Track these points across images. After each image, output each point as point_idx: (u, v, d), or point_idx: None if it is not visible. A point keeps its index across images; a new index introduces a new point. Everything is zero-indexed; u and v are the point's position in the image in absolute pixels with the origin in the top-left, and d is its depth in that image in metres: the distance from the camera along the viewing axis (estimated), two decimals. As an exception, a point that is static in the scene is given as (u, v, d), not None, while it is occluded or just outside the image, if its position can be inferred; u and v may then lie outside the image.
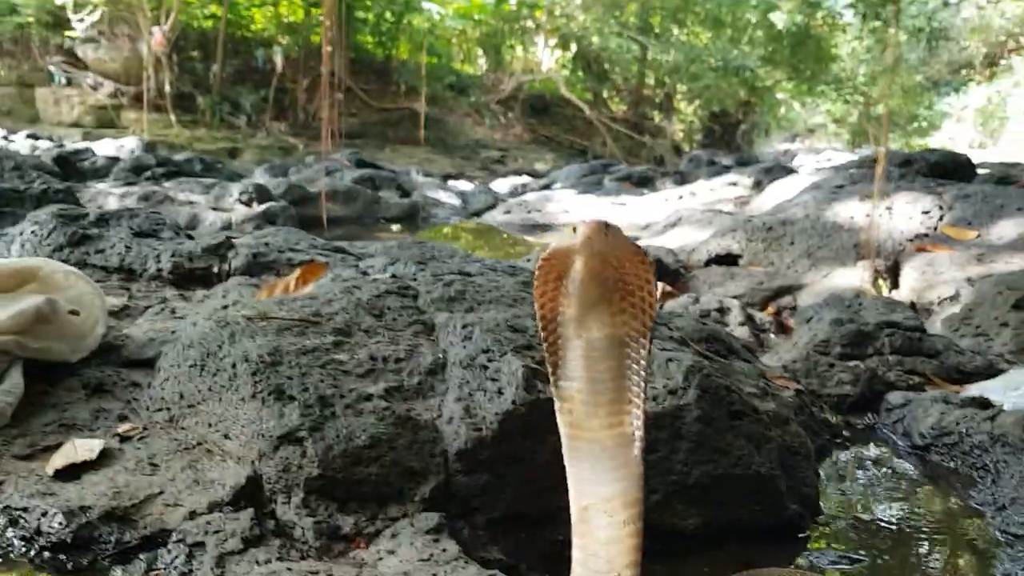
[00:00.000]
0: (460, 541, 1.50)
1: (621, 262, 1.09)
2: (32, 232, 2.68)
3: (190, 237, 2.83)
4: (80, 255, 2.64)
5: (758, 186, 8.54)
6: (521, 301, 2.07)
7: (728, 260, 4.73)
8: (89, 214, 2.79)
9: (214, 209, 6.98)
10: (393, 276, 2.37)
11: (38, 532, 1.47)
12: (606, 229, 1.05)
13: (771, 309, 4.08)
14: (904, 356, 2.73)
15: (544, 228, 8.10)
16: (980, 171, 6.91)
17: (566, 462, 1.07)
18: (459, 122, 17.71)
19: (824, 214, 4.79)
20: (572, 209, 8.23)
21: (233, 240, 2.72)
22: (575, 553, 1.06)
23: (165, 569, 1.40)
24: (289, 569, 1.31)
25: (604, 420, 1.05)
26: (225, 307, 2.19)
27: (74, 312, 2.04)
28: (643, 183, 11.68)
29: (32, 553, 1.46)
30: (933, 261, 4.08)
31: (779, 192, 6.89)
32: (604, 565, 1.00)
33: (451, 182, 11.90)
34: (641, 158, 18.31)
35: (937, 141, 22.71)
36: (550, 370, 1.15)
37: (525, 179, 14.51)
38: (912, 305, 3.84)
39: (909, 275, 4.08)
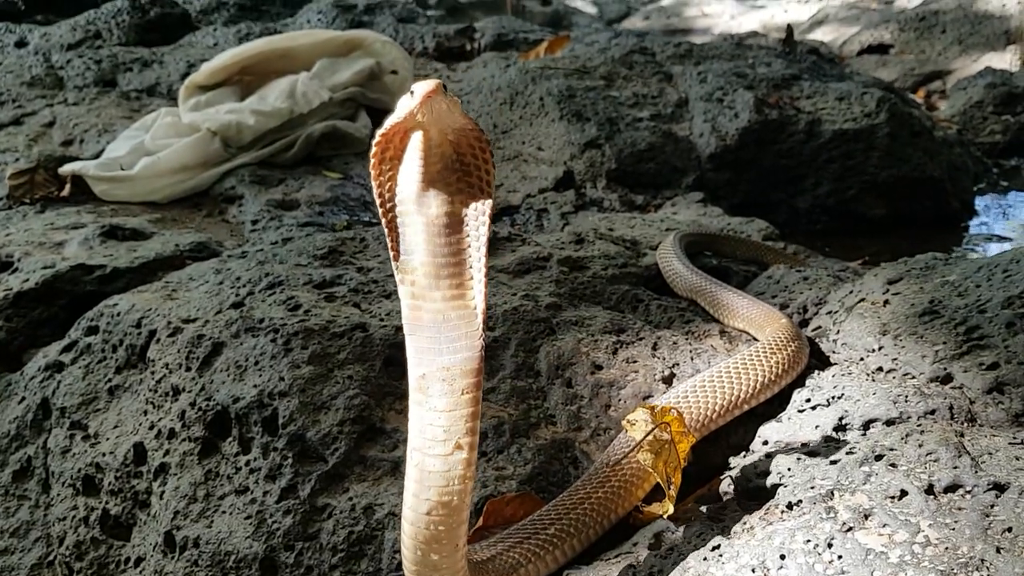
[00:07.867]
0: (715, 213, 2.14)
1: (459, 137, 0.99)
2: (318, 20, 3.34)
3: (438, 21, 3.44)
4: (360, 37, 3.29)
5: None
6: (737, 57, 2.61)
7: (879, 50, 5.05)
8: (358, 4, 3.42)
9: None
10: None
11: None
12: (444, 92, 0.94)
13: (921, 93, 4.46)
14: (1049, 114, 3.16)
15: (685, 33, 8.35)
16: None
17: (406, 333, 1.01)
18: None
19: (976, 2, 5.00)
20: (712, 13, 8.40)
21: (476, 25, 3.32)
22: (411, 424, 1.00)
23: (523, 224, 2.11)
24: (614, 216, 1.99)
25: (446, 292, 0.99)
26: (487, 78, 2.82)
27: (393, 72, 2.71)
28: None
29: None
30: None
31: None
32: (441, 434, 0.97)
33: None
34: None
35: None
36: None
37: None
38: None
39: (1058, 57, 4.36)
